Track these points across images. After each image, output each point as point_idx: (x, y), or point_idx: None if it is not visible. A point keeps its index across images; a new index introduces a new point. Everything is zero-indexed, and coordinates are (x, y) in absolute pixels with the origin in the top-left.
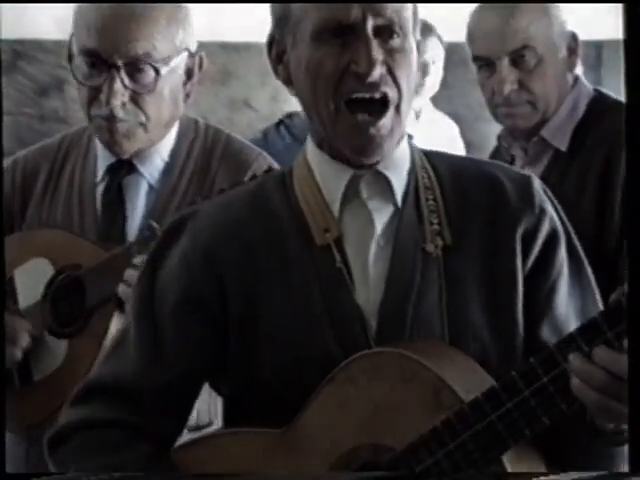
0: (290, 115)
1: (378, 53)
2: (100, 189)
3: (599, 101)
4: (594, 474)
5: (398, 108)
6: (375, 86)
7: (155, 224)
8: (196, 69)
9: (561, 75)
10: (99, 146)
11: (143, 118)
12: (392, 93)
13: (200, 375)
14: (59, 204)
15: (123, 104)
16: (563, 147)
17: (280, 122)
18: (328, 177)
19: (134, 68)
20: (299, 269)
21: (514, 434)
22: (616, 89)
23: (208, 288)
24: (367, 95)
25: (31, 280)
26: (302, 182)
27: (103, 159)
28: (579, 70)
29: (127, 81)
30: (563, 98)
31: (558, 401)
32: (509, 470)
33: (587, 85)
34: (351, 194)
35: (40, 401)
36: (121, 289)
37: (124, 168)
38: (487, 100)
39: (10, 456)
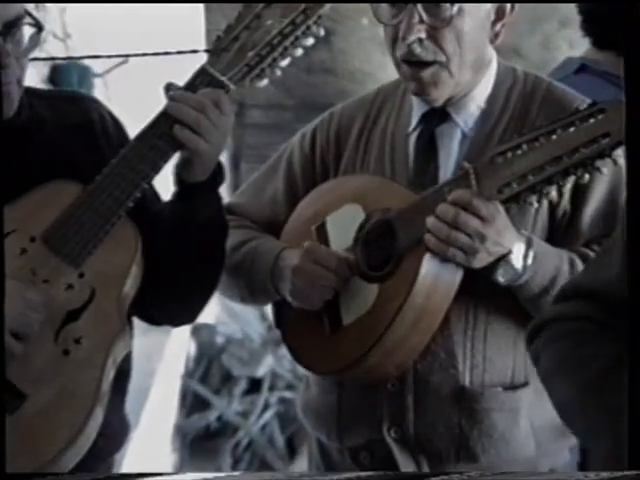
0: (584, 59)
1: None
2: (413, 138)
3: None
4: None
5: None
6: None
7: (467, 164)
8: (508, 8)
9: None
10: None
11: (443, 57)
12: None
13: None
14: (372, 154)
15: (420, 40)
16: None
17: (581, 67)
18: None
19: (431, 2)
20: None
21: None
22: None
23: None
24: None
25: (343, 226)
26: None
27: (417, 108)
28: None
29: (424, 15)
30: None
31: None
32: None
33: None
34: None
35: (350, 344)
36: (430, 222)
37: (438, 116)
38: None
39: (321, 404)
